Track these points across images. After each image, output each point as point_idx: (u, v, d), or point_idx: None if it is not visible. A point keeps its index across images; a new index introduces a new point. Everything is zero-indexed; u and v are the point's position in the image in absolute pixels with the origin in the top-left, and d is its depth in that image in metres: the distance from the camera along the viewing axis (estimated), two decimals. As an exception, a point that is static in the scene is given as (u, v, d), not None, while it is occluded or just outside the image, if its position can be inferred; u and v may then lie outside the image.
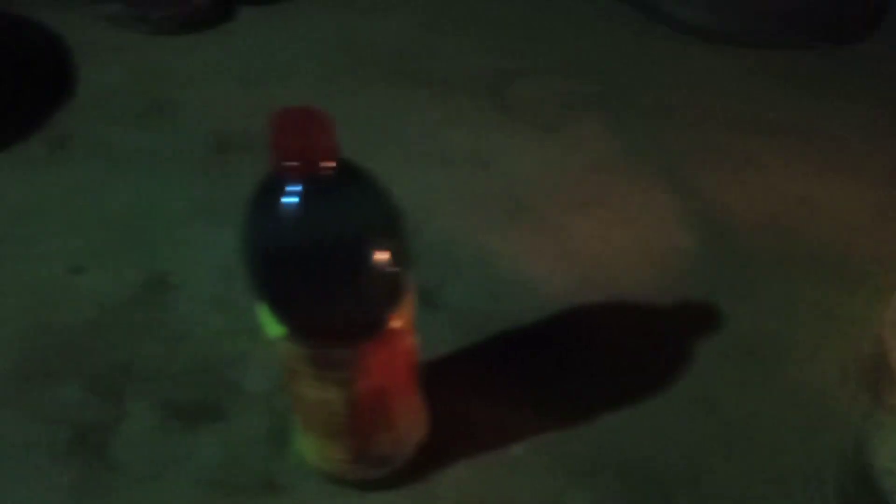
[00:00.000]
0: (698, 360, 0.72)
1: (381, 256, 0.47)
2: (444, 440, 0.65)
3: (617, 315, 0.76)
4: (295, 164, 0.42)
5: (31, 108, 0.96)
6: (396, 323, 0.52)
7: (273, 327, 0.51)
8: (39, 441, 0.68)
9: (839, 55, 1.00)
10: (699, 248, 0.81)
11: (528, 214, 0.84)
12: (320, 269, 0.46)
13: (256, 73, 1.00)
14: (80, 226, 0.84)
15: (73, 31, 1.05)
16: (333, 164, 0.43)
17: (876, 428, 0.60)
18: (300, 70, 1.01)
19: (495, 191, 0.87)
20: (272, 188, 0.44)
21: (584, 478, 0.64)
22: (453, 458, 0.65)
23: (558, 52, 1.03)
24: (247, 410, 0.69)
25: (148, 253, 0.81)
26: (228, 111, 0.95)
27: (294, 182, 0.43)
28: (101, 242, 0.82)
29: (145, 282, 0.78)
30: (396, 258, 0.48)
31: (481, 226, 0.83)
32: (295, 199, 0.44)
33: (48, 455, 0.67)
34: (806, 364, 0.71)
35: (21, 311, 0.77)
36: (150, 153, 0.91)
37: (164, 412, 0.69)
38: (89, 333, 0.75)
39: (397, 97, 0.97)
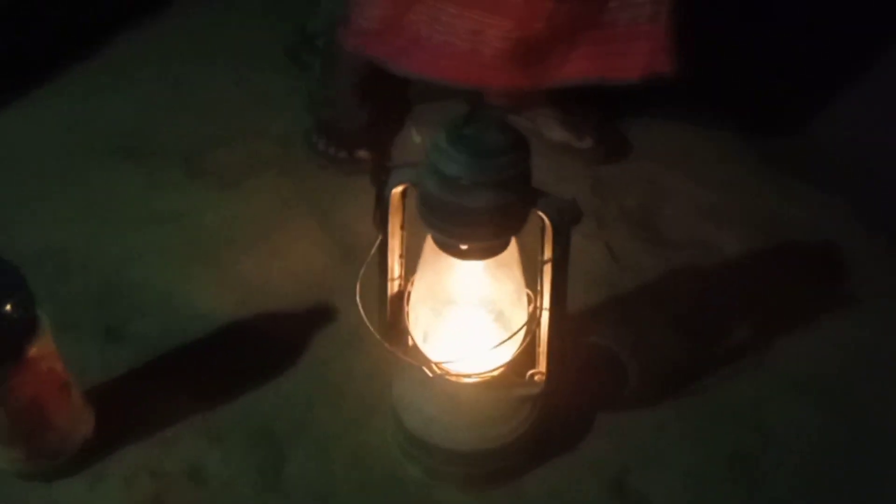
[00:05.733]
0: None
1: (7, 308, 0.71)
2: (110, 434, 0.88)
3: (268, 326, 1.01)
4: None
5: None
6: (34, 351, 0.75)
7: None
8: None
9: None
10: (332, 264, 1.08)
11: (207, 257, 1.08)
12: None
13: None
14: None
15: None
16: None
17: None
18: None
19: (183, 241, 1.10)
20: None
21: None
22: (119, 446, 0.88)
23: (244, 119, 1.28)
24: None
25: None
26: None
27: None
28: None
29: None
30: (20, 308, 0.72)
31: (166, 269, 1.07)
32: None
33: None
34: None
35: None
36: None
37: None
38: None
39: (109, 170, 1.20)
